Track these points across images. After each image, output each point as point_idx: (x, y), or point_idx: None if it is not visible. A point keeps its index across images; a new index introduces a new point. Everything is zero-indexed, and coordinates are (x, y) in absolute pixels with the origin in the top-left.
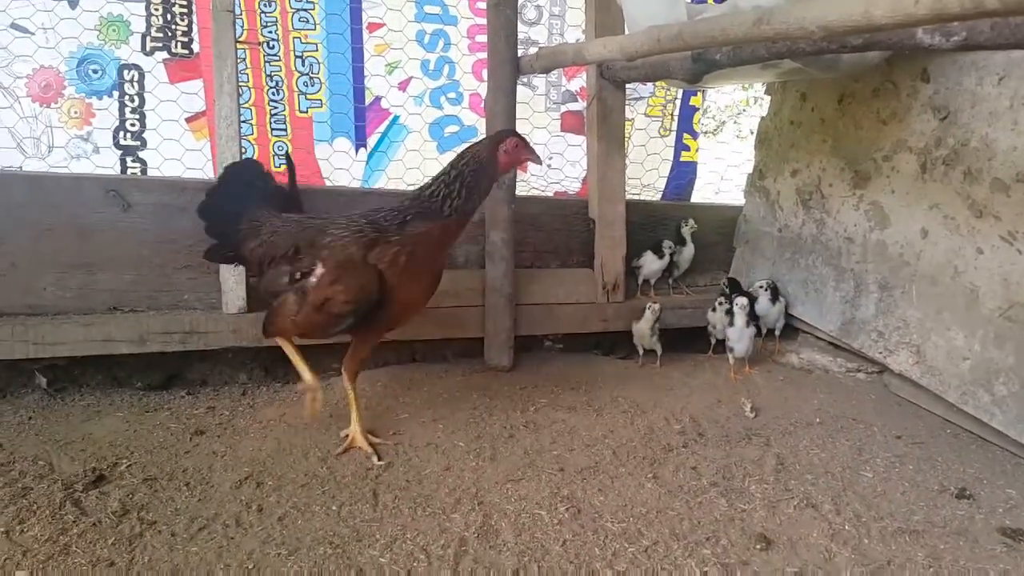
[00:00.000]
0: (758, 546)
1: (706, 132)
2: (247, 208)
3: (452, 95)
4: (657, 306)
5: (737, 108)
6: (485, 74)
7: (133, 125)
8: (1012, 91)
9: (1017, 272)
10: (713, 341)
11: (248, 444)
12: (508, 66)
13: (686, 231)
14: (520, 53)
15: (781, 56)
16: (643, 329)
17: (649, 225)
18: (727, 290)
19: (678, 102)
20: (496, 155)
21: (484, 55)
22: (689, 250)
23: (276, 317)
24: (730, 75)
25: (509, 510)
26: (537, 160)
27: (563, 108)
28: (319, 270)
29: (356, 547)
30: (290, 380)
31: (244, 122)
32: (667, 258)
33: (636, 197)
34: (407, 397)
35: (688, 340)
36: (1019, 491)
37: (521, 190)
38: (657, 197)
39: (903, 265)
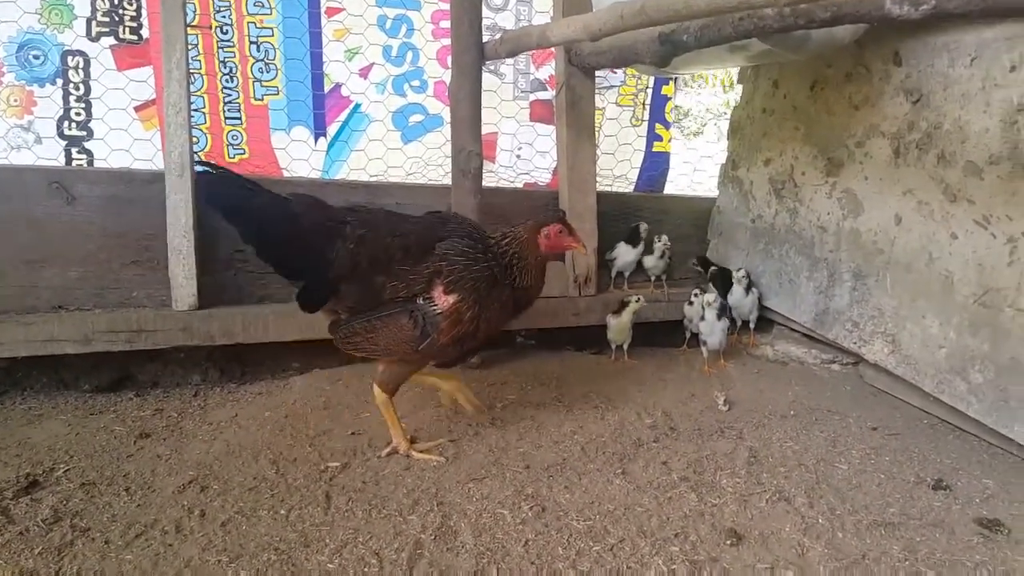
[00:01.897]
0: (728, 542)
1: (688, 134)
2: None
3: (416, 83)
4: (642, 299)
5: (719, 111)
6: (450, 61)
7: (78, 114)
8: (984, 72)
9: (992, 257)
10: (688, 334)
11: (195, 447)
12: (473, 51)
13: (659, 246)
14: (486, 39)
15: (748, 34)
16: (624, 322)
17: (621, 217)
18: (697, 266)
19: (650, 91)
20: (536, 240)
21: (449, 41)
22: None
23: (379, 337)
24: (699, 59)
25: (470, 510)
26: (581, 247)
27: (532, 97)
28: (452, 298)
29: (303, 553)
30: (246, 380)
31: (196, 110)
32: (642, 245)
33: (608, 188)
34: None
35: (664, 334)
36: (996, 481)
37: (489, 181)
38: (630, 188)
39: (877, 253)
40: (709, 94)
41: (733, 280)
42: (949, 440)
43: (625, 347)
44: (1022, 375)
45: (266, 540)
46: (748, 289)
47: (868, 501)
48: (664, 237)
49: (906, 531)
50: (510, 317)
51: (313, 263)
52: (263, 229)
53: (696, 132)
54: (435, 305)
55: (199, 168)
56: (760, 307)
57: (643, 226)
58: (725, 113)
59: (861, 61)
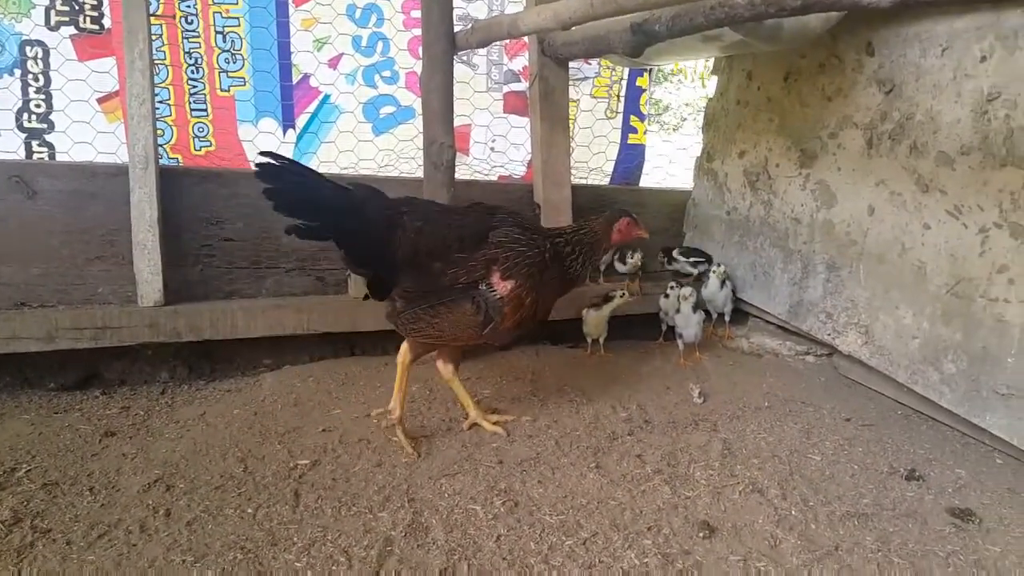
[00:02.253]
0: (701, 534)
1: (668, 128)
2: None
3: (387, 73)
4: (627, 295)
5: (698, 106)
6: (421, 51)
7: (38, 106)
8: (955, 62)
9: (964, 247)
10: (664, 327)
11: (162, 445)
12: (443, 41)
13: (630, 263)
14: (458, 29)
15: (720, 23)
16: (602, 316)
17: (598, 209)
18: (663, 260)
19: (624, 83)
20: (610, 233)
21: (420, 31)
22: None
23: (443, 322)
24: (672, 49)
25: (441, 506)
26: (646, 234)
27: (505, 88)
28: (511, 284)
29: (270, 551)
30: (216, 378)
31: (161, 102)
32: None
33: (583, 181)
34: (341, 392)
35: (640, 327)
36: (968, 470)
37: (463, 174)
38: (605, 181)
39: (850, 244)
40: (689, 88)
41: (675, 254)
42: (922, 430)
43: (601, 340)
44: (994, 364)
45: (232, 539)
46: (723, 282)
47: (841, 492)
48: (637, 255)
49: (879, 522)
50: (557, 299)
51: (378, 252)
52: (339, 222)
53: (676, 127)
54: (495, 291)
55: (261, 160)
56: (735, 300)
57: None
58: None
59: (834, 52)
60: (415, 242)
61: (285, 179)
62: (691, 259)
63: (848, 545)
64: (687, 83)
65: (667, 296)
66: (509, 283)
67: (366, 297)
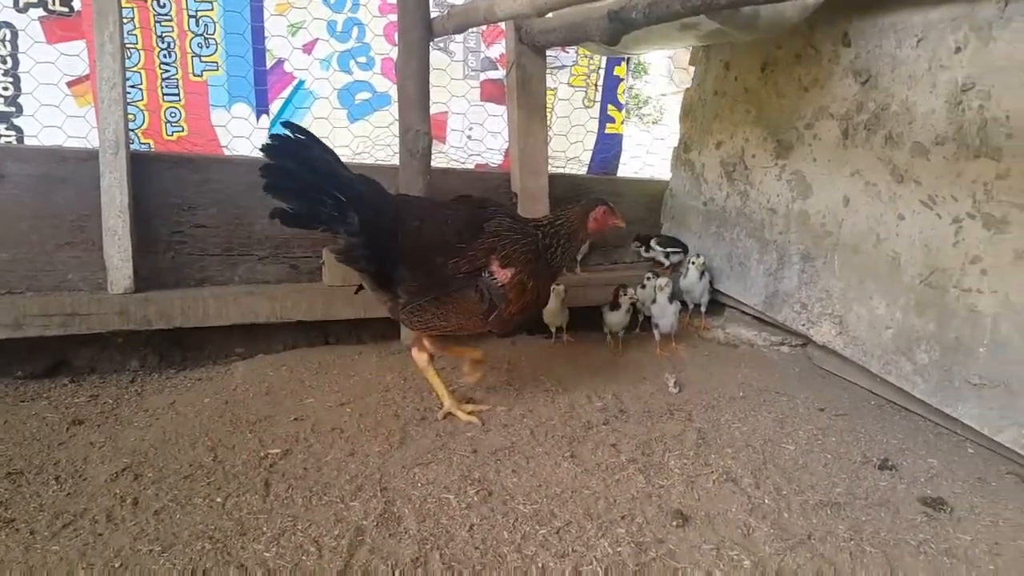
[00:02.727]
0: (675, 523)
1: (648, 122)
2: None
3: (362, 59)
4: (561, 287)
5: (675, 99)
6: (397, 37)
7: (6, 89)
8: (930, 53)
9: (937, 237)
10: (641, 318)
11: (131, 434)
12: (419, 27)
13: None
14: (434, 15)
15: (696, 11)
16: (552, 308)
17: (575, 199)
18: (637, 246)
19: (602, 72)
20: (586, 222)
21: (396, 17)
22: None
23: (449, 312)
24: (649, 38)
25: (415, 495)
26: (622, 223)
27: (482, 76)
28: (510, 272)
29: (239, 541)
30: (187, 366)
31: (132, 87)
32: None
33: (561, 170)
34: (315, 381)
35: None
36: (940, 460)
37: (440, 162)
38: (583, 171)
39: (825, 235)
40: (665, 81)
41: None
42: (895, 420)
43: (563, 328)
44: (966, 355)
45: (201, 529)
46: (701, 273)
47: (814, 481)
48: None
49: (852, 511)
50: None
51: (387, 244)
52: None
53: (655, 120)
54: (495, 279)
55: (281, 131)
56: (712, 290)
57: None
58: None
59: (811, 42)
60: (416, 237)
61: (300, 157)
62: (667, 248)
63: (821, 534)
64: (663, 76)
65: (643, 287)
66: (509, 270)
67: (359, 290)
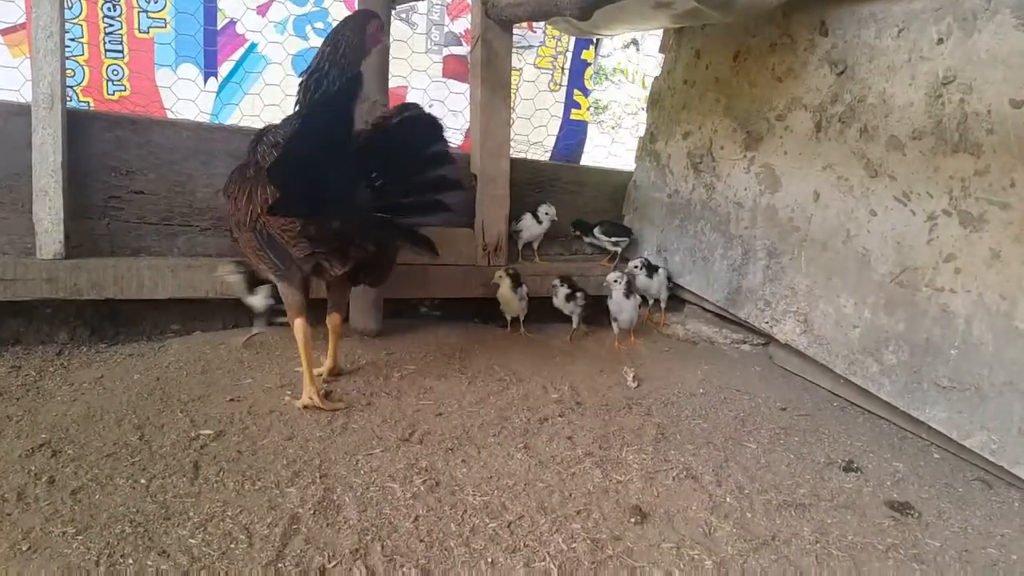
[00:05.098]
0: (633, 520)
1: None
2: None
3: (319, 25)
4: (507, 274)
5: (637, 107)
6: (357, 3)
7: None
8: (911, 43)
9: (911, 234)
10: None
11: (52, 408)
12: None
13: (544, 214)
14: None
15: None
16: (504, 294)
17: (536, 185)
18: (576, 235)
19: (569, 55)
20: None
21: None
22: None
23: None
24: (622, 16)
25: (356, 483)
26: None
27: (446, 51)
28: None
29: (162, 526)
30: (119, 341)
31: (73, 39)
32: (547, 223)
33: (523, 155)
34: (255, 361)
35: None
36: (906, 464)
37: None
38: (546, 156)
39: (793, 230)
40: (631, 88)
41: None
42: (859, 422)
43: (521, 319)
44: (936, 356)
45: (121, 511)
46: (651, 273)
47: (778, 481)
48: (552, 208)
49: (817, 513)
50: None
51: None
52: None
53: (614, 125)
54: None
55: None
56: (672, 286)
57: (543, 208)
58: (642, 109)
59: (786, 31)
60: None
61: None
62: (613, 237)
63: (785, 536)
64: (627, 83)
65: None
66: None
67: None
